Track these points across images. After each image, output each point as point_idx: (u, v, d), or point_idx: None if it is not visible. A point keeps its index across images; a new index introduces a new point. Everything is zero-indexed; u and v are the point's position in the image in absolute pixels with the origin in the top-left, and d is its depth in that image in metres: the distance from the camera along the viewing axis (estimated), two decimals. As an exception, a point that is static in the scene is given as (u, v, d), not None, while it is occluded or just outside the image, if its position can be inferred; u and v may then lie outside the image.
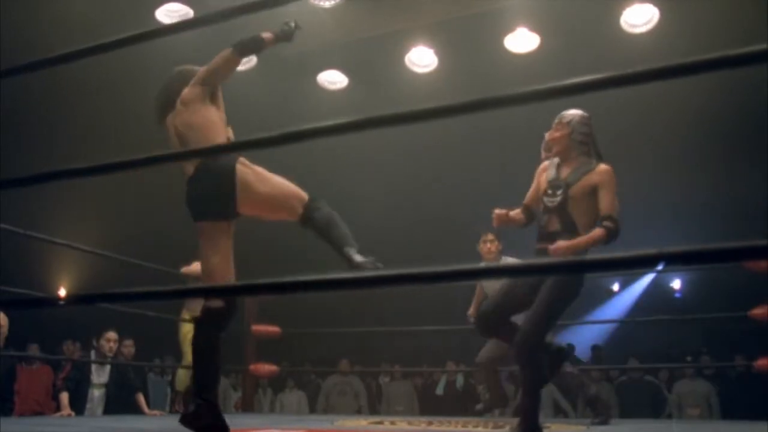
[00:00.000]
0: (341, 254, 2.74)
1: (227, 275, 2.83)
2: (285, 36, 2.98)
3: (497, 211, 3.19)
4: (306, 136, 1.29)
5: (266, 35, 2.95)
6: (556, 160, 3.21)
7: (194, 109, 2.89)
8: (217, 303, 2.76)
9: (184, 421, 2.62)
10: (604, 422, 4.35)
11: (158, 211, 8.18)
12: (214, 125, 2.90)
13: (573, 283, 2.96)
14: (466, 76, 6.85)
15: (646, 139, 7.60)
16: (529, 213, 3.28)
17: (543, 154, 3.34)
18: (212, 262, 2.81)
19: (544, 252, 3.02)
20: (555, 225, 3.04)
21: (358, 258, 2.67)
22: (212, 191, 2.77)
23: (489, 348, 4.86)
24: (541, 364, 2.99)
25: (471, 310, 5.01)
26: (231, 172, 2.74)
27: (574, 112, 3.16)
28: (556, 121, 3.19)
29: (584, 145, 3.13)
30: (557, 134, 3.16)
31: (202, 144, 2.81)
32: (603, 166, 3.06)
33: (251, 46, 2.93)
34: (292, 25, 2.99)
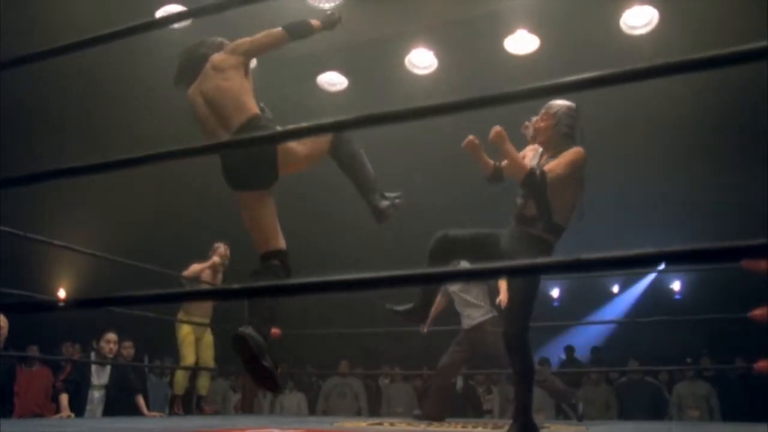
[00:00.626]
0: (365, 200, 2.84)
1: (279, 233, 2.86)
2: (330, 24, 3.04)
3: (472, 137, 3.16)
4: (304, 133, 1.29)
5: (314, 22, 3.00)
6: (541, 149, 3.23)
7: (228, 75, 2.87)
8: (279, 245, 2.82)
9: (235, 341, 2.59)
10: (581, 414, 4.33)
11: (157, 213, 8.20)
12: (248, 93, 2.90)
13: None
14: (466, 77, 6.85)
15: (645, 140, 7.60)
16: (497, 172, 3.24)
17: (529, 138, 3.36)
18: (265, 224, 2.83)
19: (521, 233, 3.09)
20: (532, 210, 3.06)
21: (381, 205, 2.80)
22: (252, 161, 2.74)
23: (449, 354, 4.82)
24: (531, 355, 3.02)
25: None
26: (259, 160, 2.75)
27: (561, 103, 3.15)
28: (543, 110, 3.20)
29: (569, 137, 3.14)
30: (543, 124, 3.17)
31: (236, 109, 2.81)
32: (576, 148, 3.08)
33: (302, 29, 2.98)
34: (337, 15, 3.07)
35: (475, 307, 4.76)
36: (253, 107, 2.85)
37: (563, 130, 3.12)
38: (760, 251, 0.82)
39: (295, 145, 2.77)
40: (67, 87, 6.11)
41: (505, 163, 3.14)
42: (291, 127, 1.29)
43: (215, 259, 5.83)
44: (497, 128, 3.00)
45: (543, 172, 2.96)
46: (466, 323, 4.77)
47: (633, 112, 6.89)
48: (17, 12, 5.50)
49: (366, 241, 7.92)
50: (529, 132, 3.29)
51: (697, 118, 6.95)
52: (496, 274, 0.97)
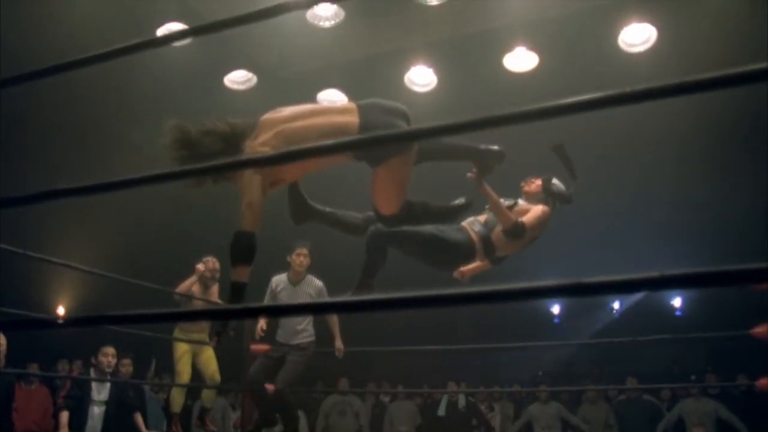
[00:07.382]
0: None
1: None
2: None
3: (471, 174, 3.37)
4: (301, 155, 1.29)
5: None
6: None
7: None
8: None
9: None
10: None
11: (158, 230, 8.19)
12: None
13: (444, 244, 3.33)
14: (466, 95, 6.86)
15: (641, 153, 7.61)
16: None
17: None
18: (406, 183, 2.97)
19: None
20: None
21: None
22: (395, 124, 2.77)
23: (256, 366, 4.99)
24: (383, 258, 3.27)
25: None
26: (405, 112, 2.89)
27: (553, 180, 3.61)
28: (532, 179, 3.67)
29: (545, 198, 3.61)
30: (531, 189, 3.64)
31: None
32: (545, 207, 3.51)
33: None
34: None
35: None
36: None
37: (541, 195, 3.59)
38: (762, 275, 0.82)
39: None
40: (64, 96, 6.09)
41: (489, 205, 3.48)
42: (287, 150, 1.29)
43: (199, 267, 5.78)
44: (471, 175, 3.29)
45: (523, 225, 3.35)
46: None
47: (630, 125, 6.89)
48: (19, 21, 5.51)
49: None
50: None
51: (696, 130, 6.95)
52: (496, 297, 0.96)
